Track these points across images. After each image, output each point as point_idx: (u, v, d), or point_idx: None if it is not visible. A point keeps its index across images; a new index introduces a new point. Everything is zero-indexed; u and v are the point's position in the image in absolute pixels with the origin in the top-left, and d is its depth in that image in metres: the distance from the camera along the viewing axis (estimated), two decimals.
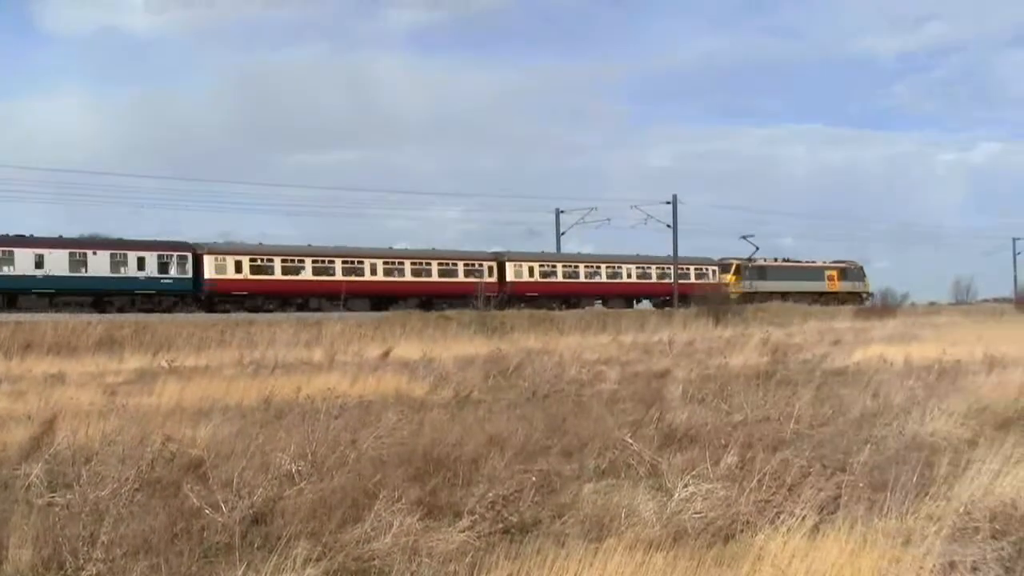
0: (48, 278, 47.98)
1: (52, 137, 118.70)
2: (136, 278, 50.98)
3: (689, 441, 12.47)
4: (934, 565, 7.27)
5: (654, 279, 70.47)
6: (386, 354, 31.29)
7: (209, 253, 53.51)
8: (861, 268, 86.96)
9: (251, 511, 8.84)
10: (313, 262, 56.88)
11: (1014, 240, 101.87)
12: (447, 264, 61.36)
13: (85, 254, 49.87)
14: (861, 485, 9.41)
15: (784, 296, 74.52)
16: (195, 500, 8.92)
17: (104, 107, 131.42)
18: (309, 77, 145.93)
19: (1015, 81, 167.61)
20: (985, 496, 9.01)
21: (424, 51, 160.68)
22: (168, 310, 49.94)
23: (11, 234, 48.84)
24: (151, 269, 51.33)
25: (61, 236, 50.57)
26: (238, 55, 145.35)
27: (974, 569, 7.52)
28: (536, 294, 63.02)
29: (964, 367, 21.57)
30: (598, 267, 68.56)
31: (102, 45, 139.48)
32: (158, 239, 54.00)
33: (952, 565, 7.46)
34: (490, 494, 9.10)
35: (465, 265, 61.74)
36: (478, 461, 11.27)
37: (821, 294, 79.48)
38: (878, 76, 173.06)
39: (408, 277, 59.74)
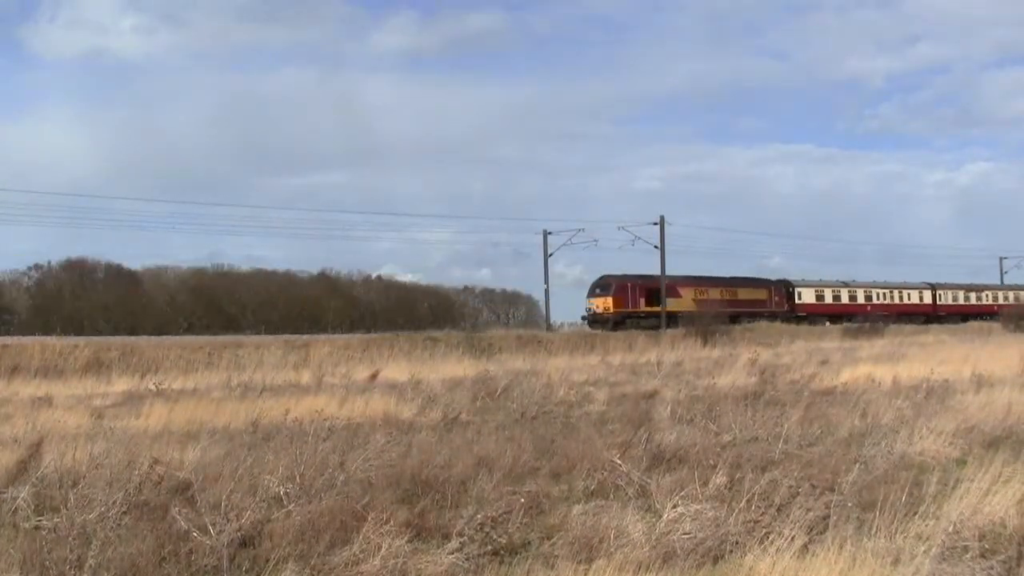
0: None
1: (39, 160, 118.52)
2: (765, 301, 74.39)
3: (678, 462, 12.47)
4: None
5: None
6: (374, 376, 31.26)
7: (798, 286, 77.57)
8: None
9: (239, 534, 8.80)
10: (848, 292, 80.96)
11: (1001, 259, 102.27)
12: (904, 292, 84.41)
13: (735, 291, 72.77)
14: (850, 505, 9.42)
15: None
16: (183, 523, 8.87)
17: (92, 129, 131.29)
18: (299, 100, 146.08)
19: (1001, 102, 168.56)
20: (974, 515, 9.02)
21: (414, 74, 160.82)
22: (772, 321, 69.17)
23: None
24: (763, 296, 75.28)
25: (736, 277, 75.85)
26: (227, 78, 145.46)
27: None
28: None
29: (952, 386, 21.60)
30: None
31: (91, 68, 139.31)
32: (760, 277, 78.64)
33: None
34: (479, 516, 9.09)
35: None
36: (467, 483, 11.26)
37: None
38: (865, 97, 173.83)
39: (884, 301, 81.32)
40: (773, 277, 79.11)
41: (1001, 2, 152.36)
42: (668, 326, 62.20)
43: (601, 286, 67.16)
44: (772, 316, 70.92)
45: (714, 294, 70.69)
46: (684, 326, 58.53)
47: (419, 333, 53.61)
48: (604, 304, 65.12)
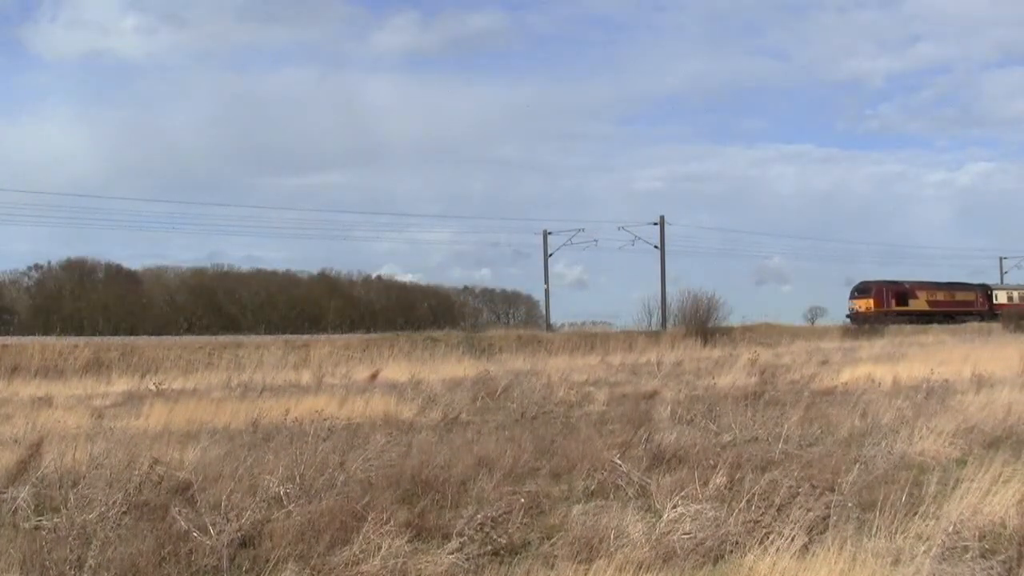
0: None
1: (39, 160, 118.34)
2: (973, 302, 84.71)
3: (678, 462, 12.47)
4: None
5: None
6: (374, 376, 31.24)
7: (995, 289, 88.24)
8: None
9: (239, 534, 8.80)
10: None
11: (1000, 259, 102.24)
12: None
13: (954, 293, 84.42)
14: (850, 505, 9.42)
15: None
16: (183, 523, 8.88)
17: (92, 129, 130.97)
18: (299, 99, 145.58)
19: (1002, 101, 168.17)
20: (974, 515, 9.02)
21: (415, 74, 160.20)
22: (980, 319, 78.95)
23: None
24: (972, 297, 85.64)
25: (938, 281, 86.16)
26: (227, 78, 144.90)
27: None
28: None
29: (952, 386, 21.61)
30: None
31: (91, 68, 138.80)
32: (968, 282, 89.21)
33: None
34: (479, 516, 9.08)
35: None
36: (467, 483, 11.26)
37: None
38: (866, 97, 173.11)
39: None
40: (975, 282, 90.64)
41: (1002, 2, 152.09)
42: (910, 322, 73.51)
43: (861, 290, 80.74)
44: (980, 315, 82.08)
45: (940, 296, 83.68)
46: (923, 322, 72.65)
47: (419, 333, 53.47)
48: (866, 305, 78.00)
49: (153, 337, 47.85)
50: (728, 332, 59.02)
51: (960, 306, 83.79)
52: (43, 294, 73.47)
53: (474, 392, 23.65)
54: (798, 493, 9.52)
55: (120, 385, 30.35)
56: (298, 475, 10.81)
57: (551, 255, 73.95)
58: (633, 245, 72.71)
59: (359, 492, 10.24)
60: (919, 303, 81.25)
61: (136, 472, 10.99)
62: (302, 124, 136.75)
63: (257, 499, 9.82)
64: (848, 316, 79.01)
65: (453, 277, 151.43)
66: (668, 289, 69.99)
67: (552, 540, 9.00)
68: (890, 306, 78.41)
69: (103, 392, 27.96)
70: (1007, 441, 14.42)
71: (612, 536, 8.74)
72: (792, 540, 8.11)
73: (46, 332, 48.27)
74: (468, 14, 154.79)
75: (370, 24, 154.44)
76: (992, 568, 7.83)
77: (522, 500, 9.99)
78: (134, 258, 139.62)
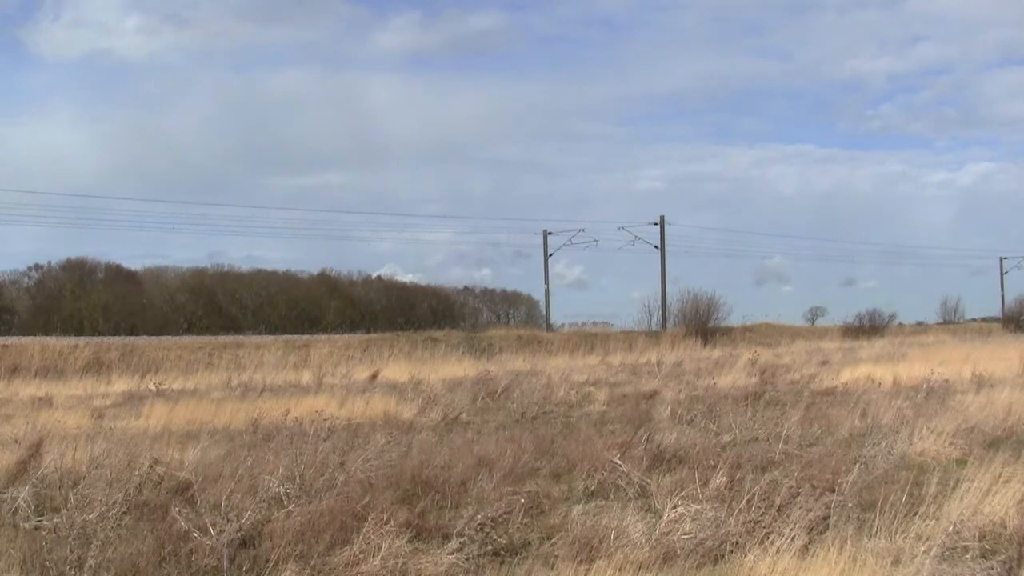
0: None
1: (40, 160, 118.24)
2: None
3: (678, 462, 12.47)
4: None
5: None
6: (374, 376, 31.25)
7: None
8: None
9: (239, 534, 8.79)
10: None
11: (1001, 259, 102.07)
12: None
13: None
14: (850, 505, 9.41)
15: None
16: (183, 523, 8.87)
17: (93, 129, 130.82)
18: (300, 99, 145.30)
19: (1002, 102, 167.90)
20: (974, 515, 9.02)
21: (416, 74, 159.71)
22: None
23: None
24: None
25: None
26: (228, 78, 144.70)
27: None
28: None
29: (952, 386, 21.61)
30: None
31: (93, 68, 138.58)
32: None
33: None
34: (479, 516, 9.08)
35: None
36: (467, 483, 11.25)
37: None
38: (867, 97, 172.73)
39: None
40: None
41: (1002, 2, 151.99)
42: None
43: None
44: None
45: None
46: None
47: (419, 333, 53.45)
48: None
49: (153, 337, 47.86)
50: (728, 332, 59.06)
51: None
52: (43, 294, 73.38)
53: (474, 392, 23.66)
54: (798, 493, 9.52)
55: (120, 385, 30.37)
56: (298, 475, 10.81)
57: (551, 255, 73.95)
58: (633, 245, 72.71)
59: (359, 492, 10.24)
60: None
61: (136, 472, 11.00)
62: (303, 124, 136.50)
63: (257, 499, 9.82)
64: None
65: (453, 277, 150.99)
66: (668, 289, 70.08)
67: (552, 540, 9.00)
68: None
69: (103, 392, 27.99)
70: (1007, 441, 14.43)
71: (612, 536, 8.73)
72: (792, 540, 8.11)
73: (46, 332, 48.35)
74: (469, 14, 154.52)
75: (371, 24, 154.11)
76: (992, 568, 7.82)
77: (522, 500, 9.98)
78: (134, 258, 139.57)
